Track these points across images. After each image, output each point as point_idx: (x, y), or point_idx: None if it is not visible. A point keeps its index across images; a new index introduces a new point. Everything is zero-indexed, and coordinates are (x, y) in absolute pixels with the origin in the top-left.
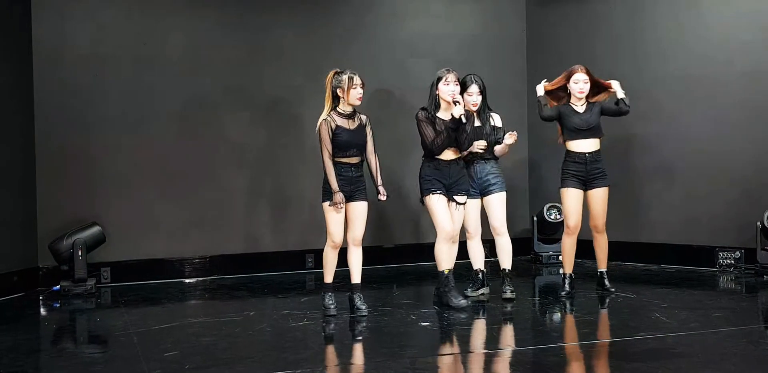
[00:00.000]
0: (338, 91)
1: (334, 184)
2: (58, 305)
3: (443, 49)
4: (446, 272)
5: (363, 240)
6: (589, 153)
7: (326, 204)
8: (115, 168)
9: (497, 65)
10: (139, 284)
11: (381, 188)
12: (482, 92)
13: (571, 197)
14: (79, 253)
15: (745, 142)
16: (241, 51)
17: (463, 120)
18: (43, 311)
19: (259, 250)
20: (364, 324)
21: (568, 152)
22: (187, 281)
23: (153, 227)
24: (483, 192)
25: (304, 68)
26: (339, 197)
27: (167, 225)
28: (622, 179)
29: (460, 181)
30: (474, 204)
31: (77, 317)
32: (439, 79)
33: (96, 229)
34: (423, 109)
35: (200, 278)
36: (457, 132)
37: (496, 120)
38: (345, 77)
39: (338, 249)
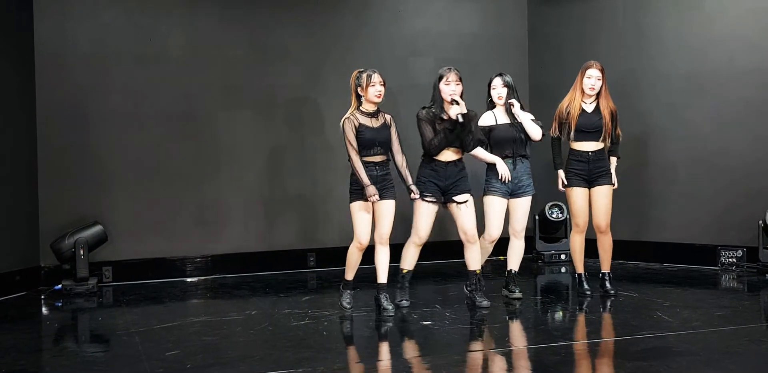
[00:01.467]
0: (359, 89)
1: (365, 178)
2: (59, 304)
3: (444, 48)
4: (478, 272)
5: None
6: (592, 152)
7: (354, 204)
8: (117, 167)
9: (499, 63)
10: (141, 283)
11: (413, 187)
12: (507, 86)
13: (577, 196)
14: (81, 252)
15: (747, 141)
16: (243, 50)
17: (460, 119)
18: (44, 310)
19: (261, 249)
20: (366, 323)
21: (572, 151)
22: (188, 280)
23: (154, 226)
24: (514, 192)
25: (306, 67)
26: (372, 189)
27: (169, 224)
28: (624, 177)
29: (459, 183)
30: (504, 205)
31: (79, 316)
32: (441, 77)
33: (98, 228)
34: (424, 107)
35: (202, 277)
36: (461, 132)
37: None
38: (364, 75)
39: (364, 250)
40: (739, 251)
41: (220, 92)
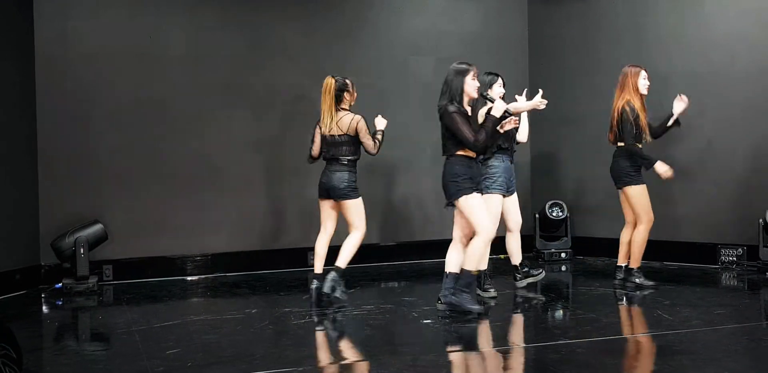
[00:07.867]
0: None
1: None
2: (60, 303)
3: (445, 47)
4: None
5: (368, 237)
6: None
7: (359, 200)
8: (117, 166)
9: (499, 63)
10: (141, 281)
11: None
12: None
13: (646, 192)
14: (81, 250)
15: (748, 139)
16: (244, 49)
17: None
18: (45, 308)
19: (261, 247)
20: (367, 322)
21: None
22: (189, 278)
23: (155, 225)
24: (509, 189)
25: (306, 66)
26: None
27: (169, 223)
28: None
29: (480, 181)
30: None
31: (79, 315)
32: (466, 71)
33: (98, 226)
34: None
35: (202, 276)
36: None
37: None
38: (349, 81)
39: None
40: (740, 250)
41: (220, 91)
